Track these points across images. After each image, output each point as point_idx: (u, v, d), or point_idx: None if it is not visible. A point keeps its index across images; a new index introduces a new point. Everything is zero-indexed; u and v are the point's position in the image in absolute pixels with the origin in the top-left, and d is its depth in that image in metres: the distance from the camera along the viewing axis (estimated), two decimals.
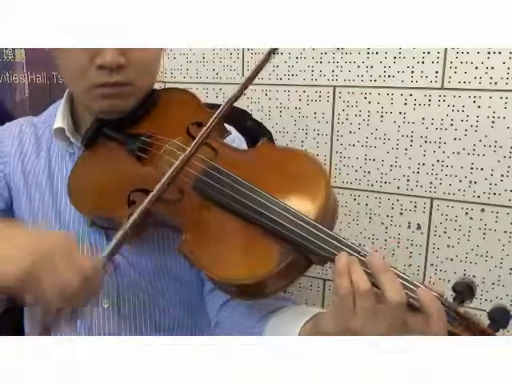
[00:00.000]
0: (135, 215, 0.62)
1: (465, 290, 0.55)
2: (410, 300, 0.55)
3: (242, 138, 0.89)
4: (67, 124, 0.82)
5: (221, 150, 0.73)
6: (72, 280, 0.55)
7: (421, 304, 0.54)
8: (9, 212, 0.85)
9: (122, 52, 0.72)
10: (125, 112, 0.79)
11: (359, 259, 0.57)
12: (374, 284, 0.55)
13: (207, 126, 0.68)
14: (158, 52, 0.80)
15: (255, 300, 0.66)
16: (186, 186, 0.69)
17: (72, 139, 0.82)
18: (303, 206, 0.63)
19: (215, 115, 0.68)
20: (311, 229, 0.60)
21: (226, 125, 0.81)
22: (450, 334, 0.54)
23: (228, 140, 0.80)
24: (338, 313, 0.57)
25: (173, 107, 0.83)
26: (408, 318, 0.55)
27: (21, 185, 0.83)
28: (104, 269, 0.59)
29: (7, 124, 0.89)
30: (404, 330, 0.55)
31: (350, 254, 0.58)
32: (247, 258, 0.63)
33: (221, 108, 0.69)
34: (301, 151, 0.72)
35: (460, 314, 0.54)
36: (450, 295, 0.56)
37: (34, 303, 0.57)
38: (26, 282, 0.54)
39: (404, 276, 0.56)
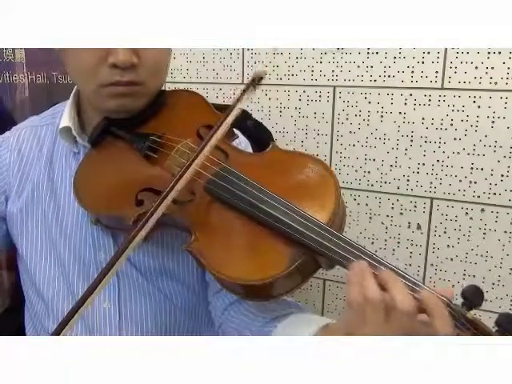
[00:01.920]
0: (144, 229, 0.61)
1: (474, 296, 0.55)
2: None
3: (248, 142, 0.89)
4: (74, 123, 0.82)
5: (231, 153, 0.74)
6: None
7: (425, 307, 0.53)
8: (7, 235, 0.86)
9: (135, 51, 0.72)
10: (133, 112, 0.79)
11: (372, 268, 0.57)
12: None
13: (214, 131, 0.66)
14: (168, 53, 0.81)
15: (262, 301, 0.66)
16: (198, 187, 0.70)
17: (78, 138, 0.82)
18: (314, 210, 0.63)
19: (223, 119, 0.66)
20: (323, 232, 0.60)
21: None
22: None
23: (235, 143, 0.80)
24: (347, 321, 0.57)
25: (182, 109, 0.83)
26: (416, 324, 0.54)
27: (18, 196, 0.83)
28: None
29: (4, 135, 0.89)
30: (412, 333, 0.54)
31: (361, 258, 0.58)
32: (256, 259, 0.63)
33: (226, 113, 0.67)
34: (311, 156, 0.72)
35: (469, 320, 0.54)
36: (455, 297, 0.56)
37: None
38: None
39: (409, 277, 0.56)
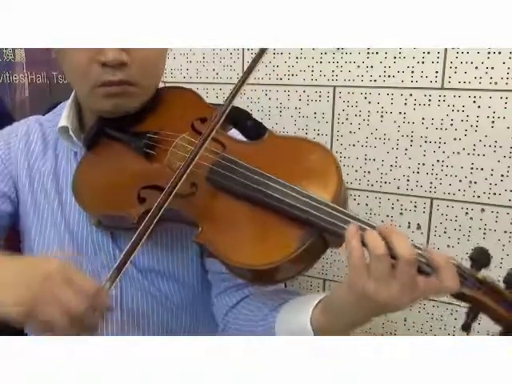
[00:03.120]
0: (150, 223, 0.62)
1: (481, 257, 0.58)
2: (423, 265, 0.57)
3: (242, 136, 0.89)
4: (71, 123, 0.82)
5: (227, 143, 0.74)
6: (77, 303, 0.55)
7: (431, 259, 0.56)
8: (16, 215, 0.85)
9: (125, 50, 0.71)
10: (128, 112, 0.79)
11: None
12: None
13: (214, 121, 0.68)
14: (162, 51, 0.80)
15: (274, 284, 0.67)
16: (199, 179, 0.70)
17: (75, 138, 0.82)
18: (318, 189, 0.63)
19: (222, 109, 0.69)
20: (329, 209, 0.60)
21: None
22: (471, 298, 0.56)
23: (230, 134, 0.80)
24: (351, 279, 0.57)
25: (175, 104, 0.83)
26: (419, 279, 0.56)
27: (26, 184, 0.83)
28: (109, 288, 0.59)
29: (14, 124, 0.89)
30: (416, 292, 0.55)
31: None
32: (265, 243, 0.64)
33: (226, 103, 0.70)
34: (308, 138, 0.72)
35: (479, 280, 0.56)
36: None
37: (44, 332, 0.56)
38: (31, 317, 0.55)
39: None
